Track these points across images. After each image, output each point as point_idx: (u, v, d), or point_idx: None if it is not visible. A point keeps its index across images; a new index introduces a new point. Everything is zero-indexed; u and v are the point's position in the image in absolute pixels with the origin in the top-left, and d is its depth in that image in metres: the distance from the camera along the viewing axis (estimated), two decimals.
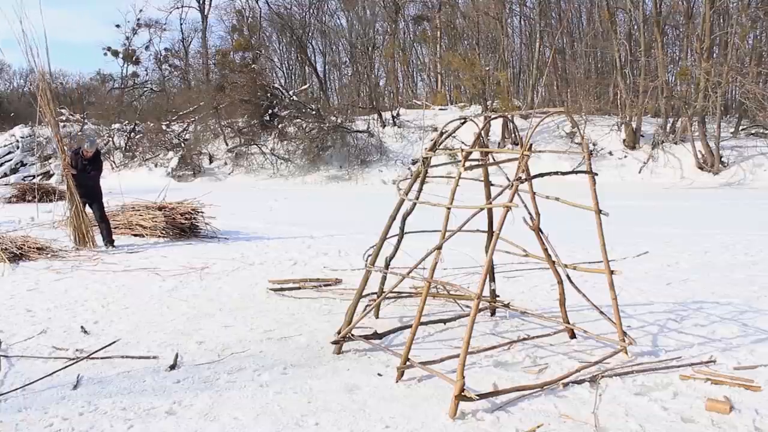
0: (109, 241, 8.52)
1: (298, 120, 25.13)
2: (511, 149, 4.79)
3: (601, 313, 4.24)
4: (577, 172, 4.19)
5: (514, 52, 30.44)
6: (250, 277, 6.55)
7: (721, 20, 23.12)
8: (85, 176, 8.39)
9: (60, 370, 3.80)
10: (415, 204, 4.34)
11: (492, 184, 4.64)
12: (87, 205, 8.51)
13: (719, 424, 3.02)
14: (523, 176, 3.74)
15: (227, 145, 26.02)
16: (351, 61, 33.90)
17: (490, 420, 3.08)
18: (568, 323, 4.39)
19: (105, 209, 8.70)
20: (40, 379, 3.66)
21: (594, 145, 22.19)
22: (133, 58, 33.67)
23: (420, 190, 4.38)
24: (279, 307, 5.33)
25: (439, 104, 28.26)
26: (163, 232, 9.09)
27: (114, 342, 4.34)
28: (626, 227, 9.68)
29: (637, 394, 3.38)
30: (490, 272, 4.86)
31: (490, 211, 4.58)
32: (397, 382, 3.57)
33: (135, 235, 9.28)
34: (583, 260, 7.01)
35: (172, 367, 3.86)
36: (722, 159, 20.23)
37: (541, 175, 4.03)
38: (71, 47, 67.92)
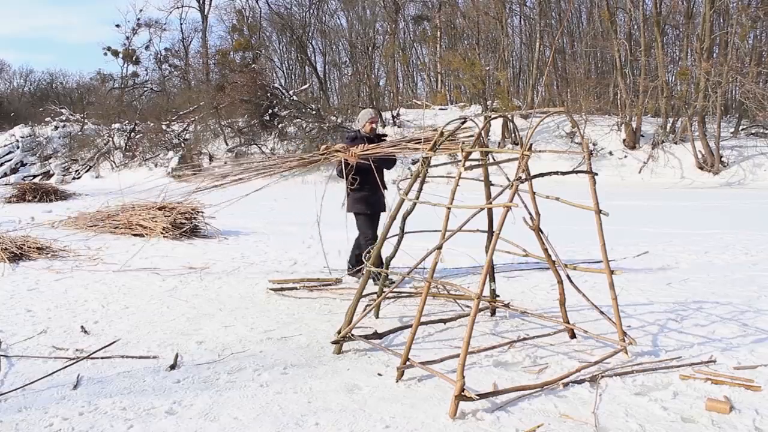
0: (357, 271, 6.06)
1: (298, 120, 25.15)
2: (511, 149, 4.79)
3: (601, 313, 4.24)
4: (577, 172, 4.19)
5: (514, 52, 30.46)
6: (250, 277, 6.55)
7: (721, 20, 23.12)
8: (373, 170, 5.96)
9: (60, 370, 3.80)
10: (415, 204, 4.34)
11: (492, 184, 4.64)
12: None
13: (719, 424, 3.02)
14: (523, 176, 3.74)
15: (227, 144, 25.99)
16: (351, 61, 33.92)
17: (490, 420, 3.08)
18: (568, 323, 4.39)
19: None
20: (40, 379, 3.66)
21: (594, 145, 22.18)
22: (133, 58, 33.64)
23: (420, 190, 4.38)
24: (279, 307, 5.33)
25: (439, 104, 28.27)
26: (163, 232, 9.10)
27: (114, 342, 4.34)
28: (626, 227, 9.68)
29: (637, 394, 3.38)
30: (490, 272, 4.86)
31: (490, 211, 4.58)
32: (397, 382, 3.57)
33: (135, 235, 9.27)
34: (583, 260, 7.02)
35: (172, 367, 3.86)
36: (722, 159, 20.23)
37: (541, 174, 4.03)
38: (71, 47, 68.05)
